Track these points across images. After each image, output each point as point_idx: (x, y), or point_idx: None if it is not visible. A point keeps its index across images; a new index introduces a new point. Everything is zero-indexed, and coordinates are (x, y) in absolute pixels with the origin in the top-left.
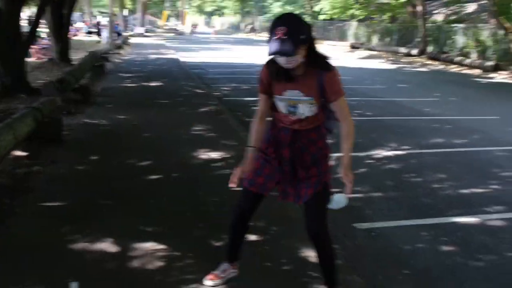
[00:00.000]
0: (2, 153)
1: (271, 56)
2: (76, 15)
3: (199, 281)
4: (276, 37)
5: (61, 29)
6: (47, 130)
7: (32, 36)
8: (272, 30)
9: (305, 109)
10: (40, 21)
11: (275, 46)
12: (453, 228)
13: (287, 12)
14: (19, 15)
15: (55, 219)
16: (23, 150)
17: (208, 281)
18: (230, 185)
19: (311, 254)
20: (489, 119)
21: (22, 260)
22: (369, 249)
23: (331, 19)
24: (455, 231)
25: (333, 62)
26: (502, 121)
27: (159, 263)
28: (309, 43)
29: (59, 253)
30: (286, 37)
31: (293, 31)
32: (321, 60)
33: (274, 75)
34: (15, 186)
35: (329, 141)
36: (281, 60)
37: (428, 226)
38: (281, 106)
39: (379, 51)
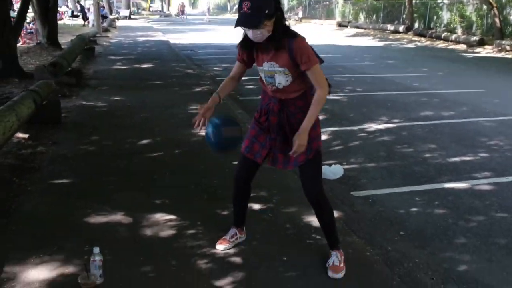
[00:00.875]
0: (7, 135)
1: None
2: None
3: (210, 246)
4: (241, 11)
5: (47, 13)
6: (46, 113)
7: (22, 20)
8: (239, 4)
9: (281, 79)
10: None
11: (240, 19)
12: (444, 193)
13: None
14: (6, 1)
15: (64, 195)
16: (25, 132)
17: (219, 245)
18: (194, 126)
19: (312, 219)
20: (475, 91)
21: (39, 233)
22: (367, 214)
23: None
24: (446, 195)
25: (322, 40)
26: (487, 93)
27: (171, 231)
28: (276, 17)
29: (74, 225)
30: (250, 11)
31: (258, 5)
32: (286, 32)
33: (244, 46)
34: (22, 166)
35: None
36: (248, 33)
37: (421, 192)
38: (262, 77)
39: (366, 28)
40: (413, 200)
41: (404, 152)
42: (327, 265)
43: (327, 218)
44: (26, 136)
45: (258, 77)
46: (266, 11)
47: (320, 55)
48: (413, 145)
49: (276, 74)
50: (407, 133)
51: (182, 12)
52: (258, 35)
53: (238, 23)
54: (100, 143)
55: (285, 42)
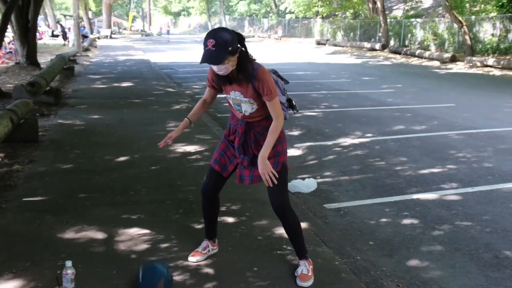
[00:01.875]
0: None
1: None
2: (39, 18)
3: (184, 258)
4: (206, 48)
5: (27, 32)
6: (23, 131)
7: (0, 40)
8: (204, 42)
9: (247, 108)
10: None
11: (205, 56)
12: (412, 203)
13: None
14: None
15: (39, 212)
16: (1, 151)
17: (192, 258)
18: (160, 145)
19: (283, 232)
20: (446, 106)
21: (13, 249)
22: (338, 225)
23: (296, 17)
24: (415, 206)
25: (301, 58)
26: (458, 108)
27: (145, 246)
28: (240, 53)
29: (48, 241)
30: (214, 48)
31: (221, 43)
32: (248, 69)
33: (218, 78)
34: None
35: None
36: (213, 68)
37: (391, 203)
38: (231, 103)
39: (343, 46)
40: (383, 211)
41: (376, 165)
42: (295, 274)
43: (294, 229)
44: (2, 155)
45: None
46: (230, 48)
47: (299, 73)
48: (385, 159)
49: (242, 103)
50: (380, 147)
51: (168, 32)
52: (222, 69)
53: (203, 60)
54: (77, 160)
55: (250, 76)
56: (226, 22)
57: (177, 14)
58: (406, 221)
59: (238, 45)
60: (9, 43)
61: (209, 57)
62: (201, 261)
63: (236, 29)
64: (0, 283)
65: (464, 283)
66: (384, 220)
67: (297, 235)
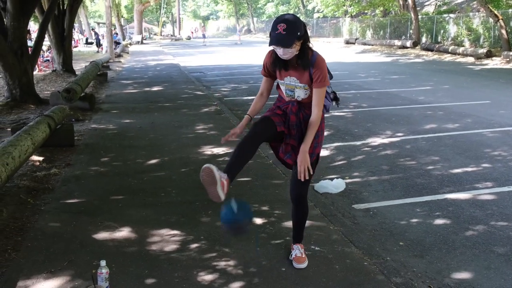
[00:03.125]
0: (23, 158)
1: (272, 47)
2: (74, 26)
3: (213, 259)
4: (276, 32)
5: (63, 41)
6: (60, 136)
7: (38, 49)
8: (274, 26)
9: (301, 93)
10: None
11: (275, 39)
12: (445, 203)
13: (283, 12)
14: (24, 31)
15: (75, 214)
16: (40, 155)
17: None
18: (222, 141)
19: (311, 232)
20: (481, 103)
21: (51, 249)
22: (367, 226)
23: (325, 16)
24: (447, 206)
25: (329, 57)
26: (493, 105)
27: (175, 246)
28: (304, 39)
29: (83, 242)
30: (285, 32)
31: (291, 27)
32: (309, 55)
33: (274, 64)
34: (37, 187)
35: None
36: (279, 51)
37: (422, 203)
38: (282, 89)
39: (373, 45)
40: (414, 212)
41: (406, 165)
42: (290, 258)
43: (302, 218)
44: (40, 159)
45: (276, 85)
46: (298, 33)
47: None
48: (416, 158)
49: (296, 88)
50: (411, 146)
51: (204, 36)
52: (288, 53)
53: (272, 42)
54: (111, 163)
55: (308, 64)
56: (254, 24)
57: (205, 18)
58: (438, 222)
59: (304, 31)
60: (46, 51)
61: (279, 40)
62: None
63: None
64: (38, 281)
65: (499, 285)
66: (415, 220)
67: (303, 223)
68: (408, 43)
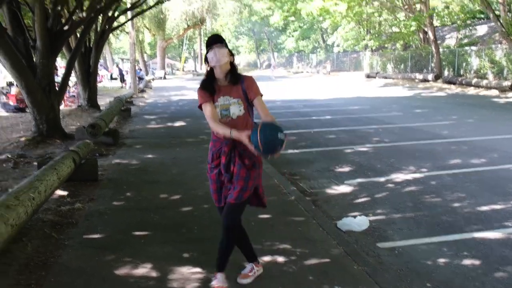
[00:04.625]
0: (48, 193)
1: (211, 60)
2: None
3: None
4: (210, 38)
5: (88, 77)
6: (85, 171)
7: (65, 85)
8: (208, 40)
9: (235, 109)
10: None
11: (212, 39)
12: (473, 243)
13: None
14: (52, 67)
15: (98, 249)
16: (64, 190)
17: (242, 280)
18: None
19: (336, 272)
20: (507, 138)
21: (74, 284)
22: (392, 266)
23: (345, 50)
24: (476, 245)
25: (350, 92)
26: None
27: (197, 284)
28: (232, 55)
29: (106, 277)
30: (217, 36)
31: (221, 37)
32: (238, 72)
33: (206, 87)
34: (61, 221)
35: None
36: (217, 54)
37: (449, 243)
38: (218, 112)
39: (394, 78)
40: (441, 251)
41: (431, 202)
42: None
43: (230, 245)
44: (65, 193)
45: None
46: (227, 45)
47: (348, 107)
48: (441, 195)
49: (230, 106)
50: (435, 182)
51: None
52: (224, 57)
53: (212, 40)
54: (133, 198)
55: (237, 79)
56: (275, 59)
57: None
58: (467, 262)
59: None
60: (72, 87)
61: (215, 39)
62: (250, 282)
63: (285, 65)
64: None
65: None
66: (442, 260)
67: (245, 244)
68: (430, 77)
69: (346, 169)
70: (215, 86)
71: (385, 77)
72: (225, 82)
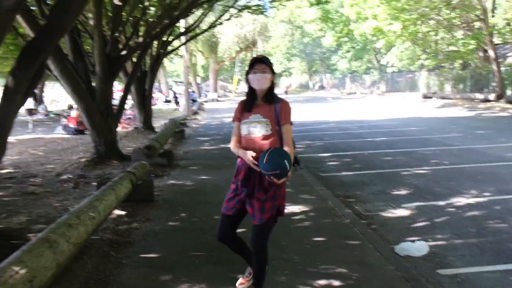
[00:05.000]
0: (107, 212)
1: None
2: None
3: None
4: (255, 59)
5: (144, 100)
6: (141, 192)
7: (122, 108)
8: (252, 61)
9: (262, 129)
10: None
11: (258, 59)
12: None
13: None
14: (110, 92)
15: (154, 269)
16: (122, 209)
17: (240, 286)
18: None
19: None
20: None
21: None
22: None
23: (400, 71)
24: None
25: (406, 112)
26: None
27: None
28: (273, 76)
29: None
30: (263, 57)
31: (267, 58)
32: (275, 95)
33: (245, 106)
34: (119, 240)
35: None
36: (257, 74)
37: None
38: (244, 128)
39: (452, 99)
40: (507, 280)
41: (496, 228)
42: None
43: (263, 263)
44: (123, 213)
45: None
46: (271, 65)
47: (404, 128)
48: (507, 220)
49: (259, 124)
50: (500, 207)
51: (285, 93)
52: (266, 77)
53: (256, 61)
54: (188, 219)
55: (273, 101)
56: (328, 80)
57: (278, 75)
58: None
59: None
60: (128, 109)
61: (261, 59)
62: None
63: (338, 86)
64: None
65: None
66: None
67: (261, 272)
68: (491, 96)
69: (403, 192)
70: (253, 105)
71: (443, 97)
72: (261, 101)
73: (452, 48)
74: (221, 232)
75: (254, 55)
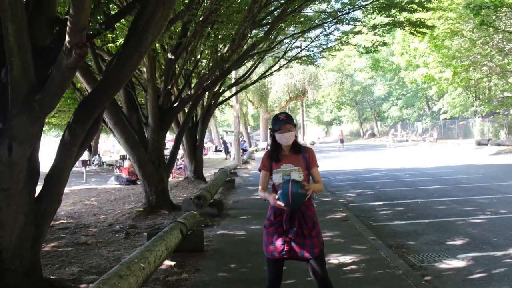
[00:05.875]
0: (157, 263)
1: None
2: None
3: None
4: (279, 119)
5: (195, 150)
6: (191, 242)
7: (174, 158)
8: (275, 118)
9: (296, 176)
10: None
11: (283, 121)
12: None
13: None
14: (162, 142)
15: None
16: (172, 260)
17: None
18: (277, 203)
19: None
20: None
21: None
22: None
23: (452, 117)
24: None
25: (460, 160)
26: None
27: None
28: (296, 133)
29: None
30: (286, 117)
31: (289, 115)
32: (300, 144)
33: (272, 157)
34: None
35: None
36: (284, 136)
37: None
38: (277, 178)
39: (509, 145)
40: None
41: None
42: None
43: None
44: (173, 263)
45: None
46: (294, 121)
47: (458, 176)
48: None
49: (292, 172)
50: None
51: (341, 141)
52: (291, 136)
53: (281, 123)
54: (238, 270)
55: (299, 150)
56: (378, 128)
57: (329, 124)
58: None
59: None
60: (180, 159)
61: (286, 120)
62: None
63: (387, 133)
64: None
65: None
66: None
67: None
68: None
69: (458, 242)
70: (280, 156)
71: (498, 144)
72: (289, 152)
73: (506, 94)
74: (273, 278)
75: (304, 104)
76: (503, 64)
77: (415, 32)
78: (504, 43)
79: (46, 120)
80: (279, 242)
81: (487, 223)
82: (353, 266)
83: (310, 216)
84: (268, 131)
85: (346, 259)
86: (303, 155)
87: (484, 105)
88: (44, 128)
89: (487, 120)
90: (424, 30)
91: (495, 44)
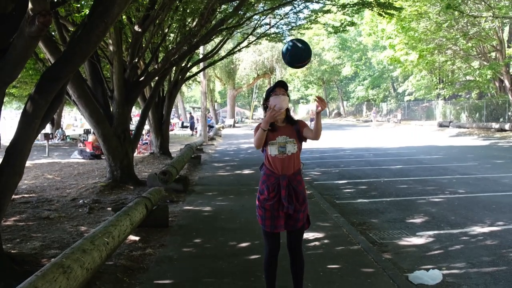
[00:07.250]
0: (122, 238)
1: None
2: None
3: None
4: (275, 84)
5: (161, 125)
6: (156, 217)
7: (139, 134)
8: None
9: (291, 148)
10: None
11: (279, 82)
12: None
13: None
14: (128, 116)
15: None
16: (136, 235)
17: None
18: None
19: None
20: None
21: None
22: None
23: (416, 99)
24: None
25: (422, 141)
26: None
27: None
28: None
29: None
30: (281, 82)
31: (285, 83)
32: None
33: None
34: (132, 266)
35: None
36: (280, 96)
37: None
38: (273, 149)
39: (468, 128)
40: None
41: (511, 257)
42: None
43: (302, 266)
44: (137, 238)
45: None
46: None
47: (420, 156)
48: None
49: (287, 144)
50: None
51: (311, 120)
52: (284, 99)
53: (277, 85)
54: (202, 245)
55: (291, 123)
56: (344, 108)
57: (296, 102)
58: None
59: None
60: (145, 135)
61: (282, 82)
62: None
63: (354, 114)
64: None
65: None
66: None
67: (302, 272)
68: (507, 126)
69: (418, 220)
70: (275, 126)
71: (459, 126)
72: (283, 124)
73: (468, 77)
74: (273, 249)
75: (272, 82)
76: (467, 48)
77: (383, 13)
78: (469, 27)
79: (7, 90)
80: (279, 216)
81: (446, 202)
82: (316, 243)
83: (301, 191)
84: (261, 106)
85: (310, 235)
86: (296, 128)
87: (447, 88)
88: (4, 100)
89: (449, 102)
90: (392, 11)
91: (460, 28)
